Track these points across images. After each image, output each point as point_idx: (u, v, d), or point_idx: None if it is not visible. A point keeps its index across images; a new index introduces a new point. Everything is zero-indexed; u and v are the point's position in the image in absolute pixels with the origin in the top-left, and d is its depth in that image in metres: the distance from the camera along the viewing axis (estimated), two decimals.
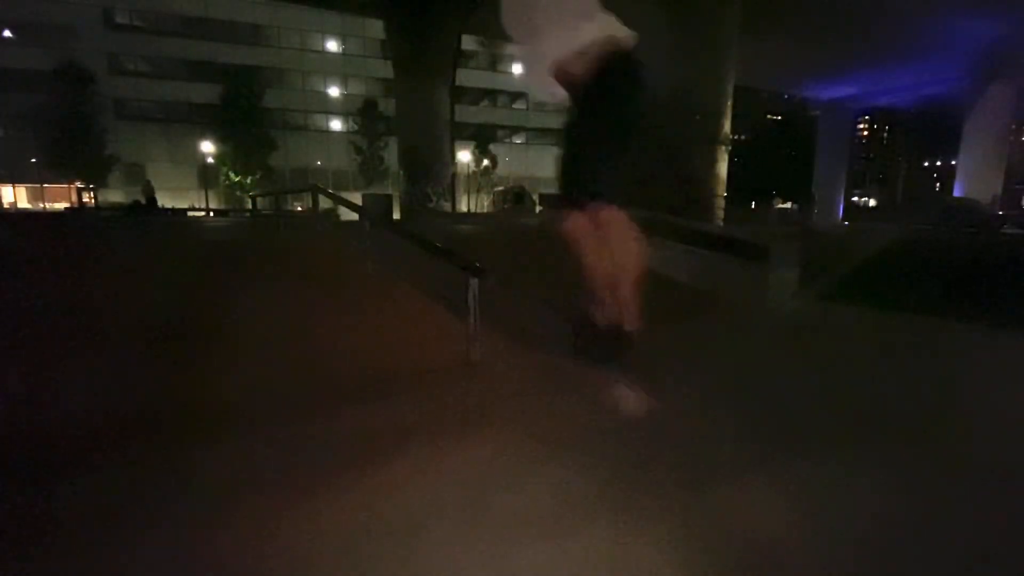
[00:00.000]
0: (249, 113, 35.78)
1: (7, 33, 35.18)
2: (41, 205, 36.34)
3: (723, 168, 9.85)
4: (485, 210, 37.85)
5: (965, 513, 1.78)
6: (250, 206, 24.23)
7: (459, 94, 23.87)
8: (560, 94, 2.06)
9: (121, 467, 2.12)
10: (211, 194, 36.39)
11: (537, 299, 5.11)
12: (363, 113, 40.20)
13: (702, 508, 1.84)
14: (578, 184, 2.19)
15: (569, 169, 2.19)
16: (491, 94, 50.18)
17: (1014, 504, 1.85)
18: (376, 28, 30.39)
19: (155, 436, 2.48)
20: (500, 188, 35.21)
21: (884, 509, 1.80)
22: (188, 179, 39.40)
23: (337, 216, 18.33)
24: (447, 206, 20.21)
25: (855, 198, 56.11)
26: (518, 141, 51.93)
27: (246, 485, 2.02)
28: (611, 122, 2.01)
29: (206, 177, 35.77)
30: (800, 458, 2.16)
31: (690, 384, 3.30)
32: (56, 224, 13.52)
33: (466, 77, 38.78)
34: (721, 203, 10.00)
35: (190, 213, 25.44)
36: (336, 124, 45.44)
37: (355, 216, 6.13)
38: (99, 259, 6.20)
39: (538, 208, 13.74)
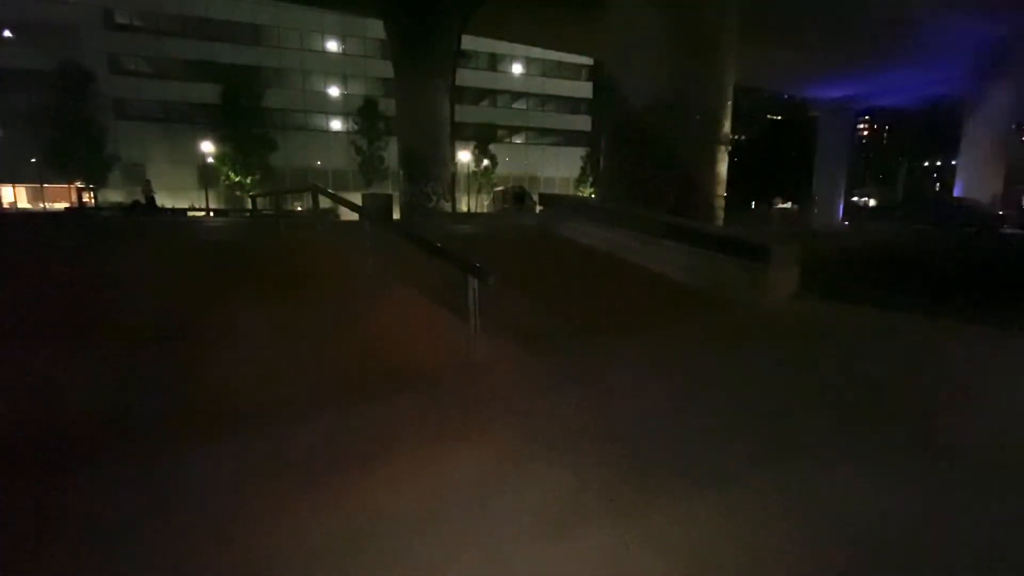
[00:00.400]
0: (249, 113, 35.70)
1: (7, 33, 35.14)
2: (41, 205, 36.30)
3: (723, 168, 9.81)
4: (485, 210, 37.82)
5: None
6: (250, 206, 24.20)
7: (459, 94, 23.85)
8: None
9: (151, 452, 2.13)
10: (211, 194, 36.35)
11: (537, 299, 5.10)
12: (363, 113, 40.12)
13: (716, 516, 1.84)
14: None
15: None
16: (491, 94, 50.12)
17: None
18: (376, 28, 30.36)
19: (173, 430, 2.48)
20: (500, 188, 35.18)
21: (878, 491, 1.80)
22: (188, 179, 39.37)
23: (337, 216, 18.31)
24: (447, 206, 20.17)
25: (855, 198, 56.08)
26: (518, 141, 51.85)
27: (254, 478, 2.03)
28: None
29: (206, 177, 35.73)
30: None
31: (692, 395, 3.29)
32: (52, 225, 13.51)
33: (466, 77, 38.77)
34: (721, 203, 9.96)
35: (190, 213, 25.43)
36: (336, 124, 45.38)
37: (355, 216, 6.13)
38: (105, 259, 6.20)
39: (538, 208, 13.71)
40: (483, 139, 43.22)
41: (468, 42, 21.65)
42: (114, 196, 35.22)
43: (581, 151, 50.15)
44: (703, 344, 4.25)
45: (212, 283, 4.94)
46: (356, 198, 11.03)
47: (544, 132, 52.62)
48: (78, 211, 27.71)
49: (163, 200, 26.96)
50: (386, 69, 23.09)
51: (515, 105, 51.64)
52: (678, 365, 3.70)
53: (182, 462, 2.18)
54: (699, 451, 2.32)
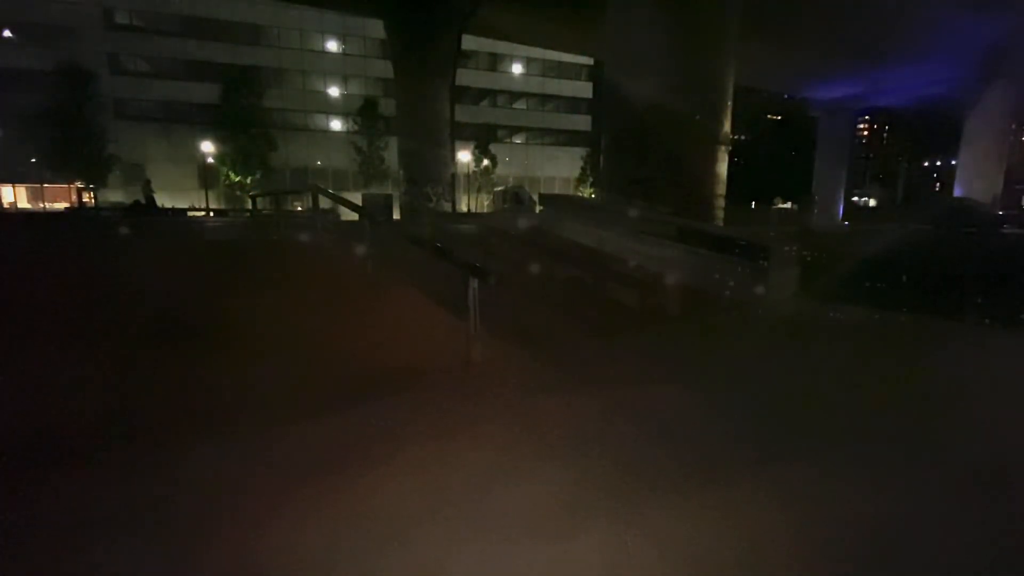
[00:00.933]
0: (249, 113, 35.68)
1: (7, 33, 35.12)
2: (41, 205, 36.32)
3: (723, 168, 9.81)
4: (485, 210, 37.84)
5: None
6: (250, 206, 24.20)
7: (459, 94, 23.85)
8: None
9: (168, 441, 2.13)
10: (211, 194, 36.34)
11: (537, 299, 5.11)
12: (363, 113, 40.11)
13: (706, 520, 1.84)
14: None
15: None
16: (491, 94, 50.11)
17: None
18: (376, 28, 30.37)
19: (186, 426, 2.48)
20: (500, 188, 35.19)
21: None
22: (188, 179, 39.35)
23: (338, 216, 18.31)
24: (447, 206, 20.18)
25: (855, 198, 56.10)
26: (518, 141, 51.85)
27: (253, 476, 2.03)
28: None
29: (206, 177, 35.72)
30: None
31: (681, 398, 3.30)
32: (51, 225, 13.52)
33: (466, 77, 38.78)
34: (721, 203, 9.96)
35: (190, 213, 25.39)
36: (336, 124, 45.38)
37: (355, 216, 6.14)
38: (108, 259, 6.20)
39: (538, 208, 13.73)
40: (483, 139, 43.20)
41: (468, 42, 21.66)
42: (114, 196, 35.23)
43: (581, 151, 50.14)
44: (704, 343, 4.26)
45: (212, 284, 4.94)
46: (356, 198, 11.06)
47: (544, 132, 52.61)
48: (77, 211, 27.69)
49: (163, 200, 26.94)
50: (386, 69, 23.09)
51: (515, 105, 51.64)
52: (678, 363, 3.71)
53: (183, 459, 2.19)
54: (699, 449, 2.32)
